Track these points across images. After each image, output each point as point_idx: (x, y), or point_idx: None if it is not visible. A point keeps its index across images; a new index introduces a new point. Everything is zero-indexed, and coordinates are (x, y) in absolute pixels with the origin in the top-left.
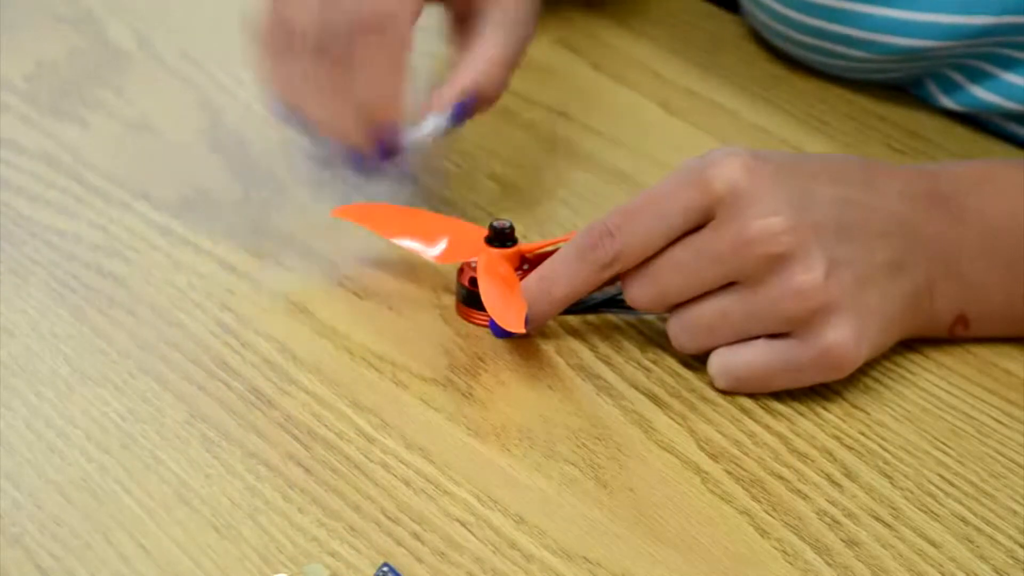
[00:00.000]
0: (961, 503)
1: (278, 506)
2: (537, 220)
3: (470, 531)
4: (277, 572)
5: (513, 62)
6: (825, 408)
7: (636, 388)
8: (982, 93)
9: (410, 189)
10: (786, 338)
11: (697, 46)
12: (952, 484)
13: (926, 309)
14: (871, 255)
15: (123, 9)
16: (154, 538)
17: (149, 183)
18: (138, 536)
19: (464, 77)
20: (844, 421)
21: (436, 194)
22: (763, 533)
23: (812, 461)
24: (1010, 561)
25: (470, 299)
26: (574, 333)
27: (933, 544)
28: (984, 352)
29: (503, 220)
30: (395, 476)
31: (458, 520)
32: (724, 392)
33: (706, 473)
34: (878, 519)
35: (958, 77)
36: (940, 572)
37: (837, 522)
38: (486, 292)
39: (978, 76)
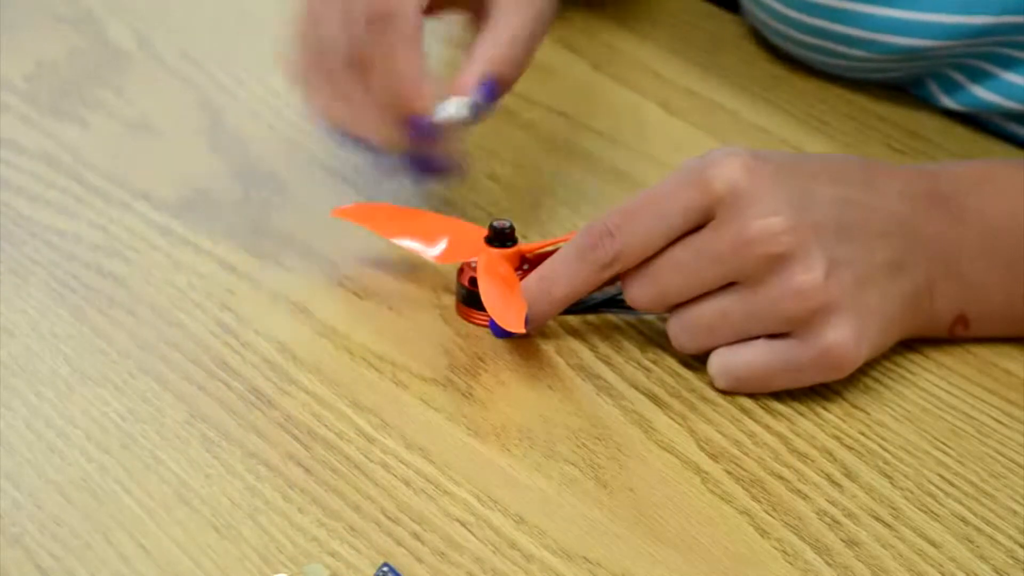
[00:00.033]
0: (961, 503)
1: (278, 506)
2: (537, 220)
3: (470, 531)
4: (277, 572)
5: (528, 41)
6: (825, 408)
7: (636, 388)
8: (983, 93)
9: (411, 189)
10: (786, 338)
11: (697, 46)
12: (952, 484)
13: (926, 309)
14: (871, 255)
15: (123, 9)
16: (154, 538)
17: (149, 183)
18: (138, 536)
19: (479, 60)
20: (844, 421)
21: (436, 194)
22: (763, 533)
23: (812, 461)
24: (1010, 561)
25: (470, 299)
26: (574, 333)
27: (933, 544)
28: (984, 352)
29: (503, 220)
30: (395, 476)
31: (458, 520)
32: (724, 392)
33: (706, 473)
34: (878, 519)
35: (959, 77)
36: (940, 572)
37: (837, 522)
38: (486, 292)
39: (979, 76)
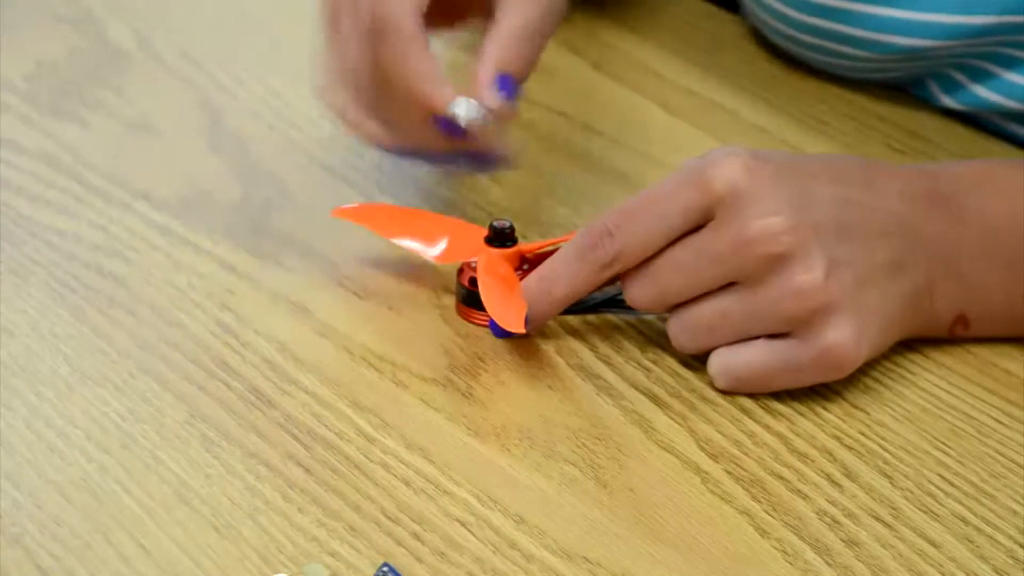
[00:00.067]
0: (961, 503)
1: (278, 506)
2: (537, 220)
3: (470, 531)
4: (277, 572)
5: (537, 36)
6: (825, 408)
7: (636, 388)
8: (983, 92)
9: (411, 189)
10: (786, 338)
11: (697, 46)
12: (952, 484)
13: (926, 309)
14: (871, 255)
15: (123, 9)
16: (154, 538)
17: (149, 183)
18: (138, 536)
19: (489, 58)
20: (844, 421)
21: (436, 194)
22: (763, 533)
23: (812, 461)
24: (1010, 561)
25: (470, 299)
26: (574, 333)
27: (933, 544)
28: (984, 352)
29: (503, 220)
30: (395, 476)
31: (458, 520)
32: (724, 392)
33: (706, 473)
34: (878, 519)
35: (959, 76)
36: (940, 572)
37: (837, 522)
38: (486, 292)
39: (979, 75)
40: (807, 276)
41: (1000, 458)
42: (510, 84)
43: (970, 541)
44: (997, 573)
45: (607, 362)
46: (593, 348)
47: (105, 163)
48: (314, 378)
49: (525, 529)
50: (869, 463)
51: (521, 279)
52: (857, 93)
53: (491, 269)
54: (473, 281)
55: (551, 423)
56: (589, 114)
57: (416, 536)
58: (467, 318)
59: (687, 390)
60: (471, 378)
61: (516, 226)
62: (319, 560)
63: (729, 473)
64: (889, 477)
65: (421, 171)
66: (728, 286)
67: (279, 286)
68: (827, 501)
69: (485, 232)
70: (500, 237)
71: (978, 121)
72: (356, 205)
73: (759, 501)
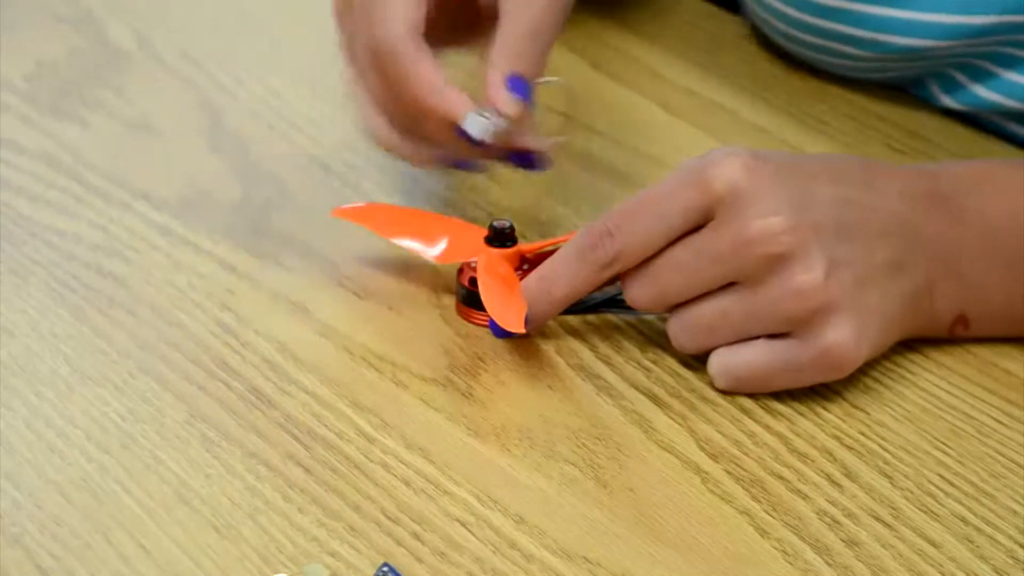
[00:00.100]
0: (961, 503)
1: (278, 506)
2: (537, 220)
3: (470, 531)
4: (277, 572)
5: (543, 34)
6: (825, 408)
7: (636, 388)
8: (984, 92)
9: (411, 189)
10: (786, 338)
11: (697, 46)
12: (952, 484)
13: (926, 309)
14: (871, 255)
15: (123, 9)
16: (154, 538)
17: (149, 183)
18: (138, 536)
19: (498, 62)
20: (844, 421)
21: (436, 194)
22: (763, 533)
23: (812, 461)
24: (1010, 561)
25: (470, 299)
26: (574, 333)
27: (933, 544)
28: (984, 352)
29: (503, 220)
30: (395, 476)
31: (458, 520)
32: (724, 392)
33: (706, 473)
34: (878, 519)
35: (960, 76)
36: (940, 572)
37: (837, 522)
38: (486, 292)
39: (980, 75)
40: (807, 276)
41: (1000, 458)
42: (522, 85)
43: (970, 541)
44: (997, 573)
45: (607, 362)
46: (593, 348)
47: (105, 163)
48: (314, 378)
49: (525, 529)
50: (869, 463)
51: (521, 279)
52: (857, 93)
53: (491, 269)
54: (473, 281)
55: (551, 423)
56: (589, 114)
57: (416, 536)
58: (467, 318)
59: (687, 390)
60: (471, 378)
61: (516, 226)
62: (319, 560)
63: (729, 473)
64: (889, 477)
65: (421, 171)
66: (728, 286)
67: (279, 286)
68: (827, 501)
69: (485, 232)
70: (500, 237)
71: (978, 121)
72: (356, 205)
73: (759, 501)
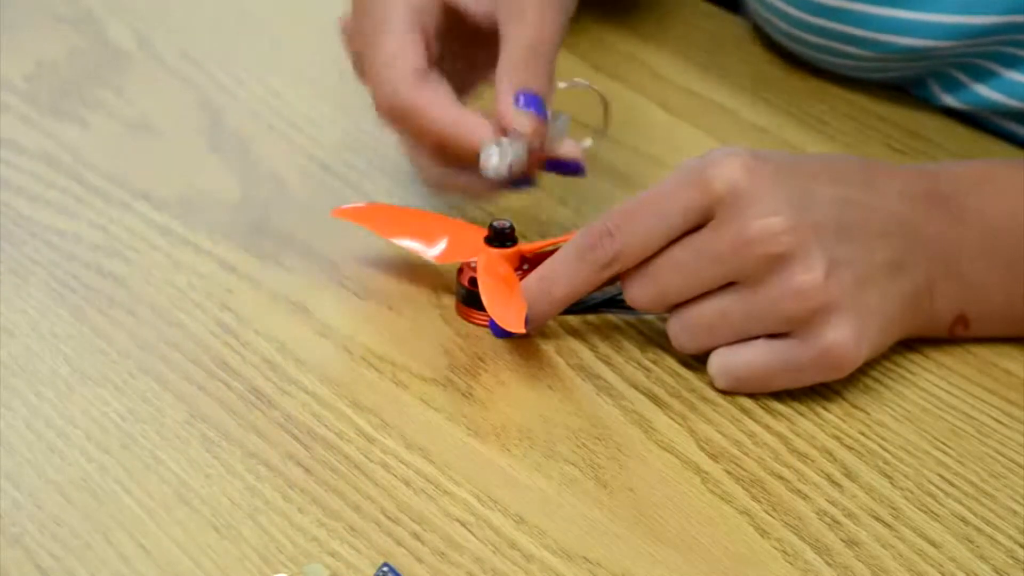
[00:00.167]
0: (961, 503)
1: (278, 506)
2: (537, 220)
3: (470, 531)
4: (277, 572)
5: (545, 44)
6: (825, 408)
7: (636, 388)
8: (985, 91)
9: (411, 189)
10: (786, 338)
11: (697, 46)
12: (952, 484)
13: (926, 309)
14: (871, 255)
15: (123, 9)
16: (154, 538)
17: (149, 183)
18: (138, 536)
19: (503, 81)
20: (844, 421)
21: (436, 194)
22: (763, 533)
23: (812, 461)
24: (1010, 561)
25: (470, 299)
26: (574, 333)
27: (933, 544)
28: (984, 352)
29: (503, 220)
30: (395, 476)
31: (458, 520)
32: (724, 392)
33: (706, 473)
34: (878, 519)
35: (961, 76)
36: (940, 572)
37: (837, 522)
38: (486, 292)
39: (981, 74)
40: (807, 276)
41: (1000, 458)
42: (533, 100)
43: (970, 541)
44: (997, 573)
45: (607, 362)
46: (593, 348)
47: (105, 163)
48: (314, 378)
49: (525, 529)
50: (869, 463)
51: (521, 279)
52: (857, 93)
53: (491, 269)
54: (473, 281)
55: (551, 423)
56: (589, 114)
57: (416, 536)
58: (467, 318)
59: (687, 390)
60: (471, 378)
61: (516, 226)
62: (319, 560)
63: (729, 473)
64: (889, 477)
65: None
66: (728, 286)
67: (279, 286)
68: (827, 501)
69: (485, 232)
70: (500, 237)
71: (978, 121)
72: (356, 205)
73: (759, 501)
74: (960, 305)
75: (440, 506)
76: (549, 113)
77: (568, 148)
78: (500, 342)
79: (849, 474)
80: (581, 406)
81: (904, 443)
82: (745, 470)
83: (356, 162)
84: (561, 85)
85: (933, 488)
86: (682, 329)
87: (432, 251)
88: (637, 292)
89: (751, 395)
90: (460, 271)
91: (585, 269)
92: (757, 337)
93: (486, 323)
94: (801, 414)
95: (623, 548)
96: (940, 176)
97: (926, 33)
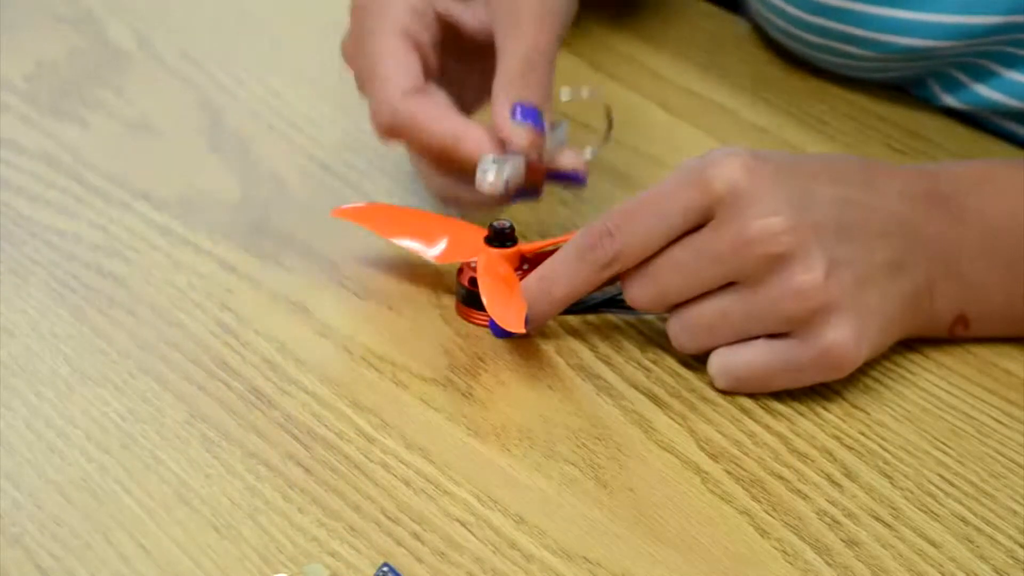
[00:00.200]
0: (961, 503)
1: (278, 506)
2: (537, 220)
3: (470, 531)
4: (277, 572)
5: (541, 55)
6: (825, 408)
7: (636, 388)
8: (985, 91)
9: (411, 189)
10: (786, 338)
11: (697, 46)
12: (952, 484)
13: (926, 309)
14: (871, 255)
15: (123, 9)
16: (154, 538)
17: (149, 183)
18: (138, 536)
19: (499, 93)
20: (844, 421)
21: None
22: (763, 533)
23: (812, 461)
24: (1010, 561)
25: (470, 299)
26: (574, 333)
27: (933, 544)
28: (984, 352)
29: (503, 220)
30: (395, 476)
31: (458, 520)
32: (724, 392)
33: (706, 473)
34: (878, 519)
35: (961, 76)
36: (940, 572)
37: (837, 522)
38: (486, 292)
39: (982, 74)
40: (807, 276)
41: (1000, 458)
42: (529, 112)
43: (970, 541)
44: (997, 573)
45: (607, 362)
46: (593, 348)
47: (105, 163)
48: (314, 378)
49: (525, 529)
50: (869, 463)
51: (521, 279)
52: (857, 93)
53: (491, 269)
54: (473, 281)
55: (551, 423)
56: (590, 114)
57: (416, 536)
58: (467, 318)
59: (687, 390)
60: (471, 378)
61: (516, 226)
62: (319, 560)
63: (729, 473)
64: (889, 477)
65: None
66: (728, 286)
67: (279, 286)
68: (827, 501)
69: (485, 232)
70: (500, 237)
71: (978, 121)
72: (356, 205)
73: (759, 501)
74: (960, 305)
75: (440, 506)
76: (547, 124)
77: (568, 159)
78: (500, 342)
79: (849, 474)
80: (581, 406)
81: (904, 443)
82: (745, 470)
83: (356, 162)
84: (564, 97)
85: (933, 488)
86: (682, 329)
87: (432, 251)
88: (637, 292)
89: (751, 395)
90: (460, 271)
91: (585, 269)
92: (757, 337)
93: (486, 323)
94: (801, 414)
95: (623, 548)
96: (940, 176)
97: (926, 33)
